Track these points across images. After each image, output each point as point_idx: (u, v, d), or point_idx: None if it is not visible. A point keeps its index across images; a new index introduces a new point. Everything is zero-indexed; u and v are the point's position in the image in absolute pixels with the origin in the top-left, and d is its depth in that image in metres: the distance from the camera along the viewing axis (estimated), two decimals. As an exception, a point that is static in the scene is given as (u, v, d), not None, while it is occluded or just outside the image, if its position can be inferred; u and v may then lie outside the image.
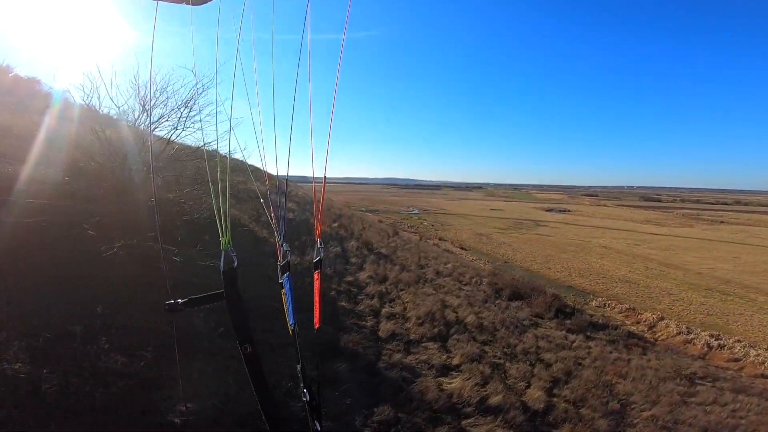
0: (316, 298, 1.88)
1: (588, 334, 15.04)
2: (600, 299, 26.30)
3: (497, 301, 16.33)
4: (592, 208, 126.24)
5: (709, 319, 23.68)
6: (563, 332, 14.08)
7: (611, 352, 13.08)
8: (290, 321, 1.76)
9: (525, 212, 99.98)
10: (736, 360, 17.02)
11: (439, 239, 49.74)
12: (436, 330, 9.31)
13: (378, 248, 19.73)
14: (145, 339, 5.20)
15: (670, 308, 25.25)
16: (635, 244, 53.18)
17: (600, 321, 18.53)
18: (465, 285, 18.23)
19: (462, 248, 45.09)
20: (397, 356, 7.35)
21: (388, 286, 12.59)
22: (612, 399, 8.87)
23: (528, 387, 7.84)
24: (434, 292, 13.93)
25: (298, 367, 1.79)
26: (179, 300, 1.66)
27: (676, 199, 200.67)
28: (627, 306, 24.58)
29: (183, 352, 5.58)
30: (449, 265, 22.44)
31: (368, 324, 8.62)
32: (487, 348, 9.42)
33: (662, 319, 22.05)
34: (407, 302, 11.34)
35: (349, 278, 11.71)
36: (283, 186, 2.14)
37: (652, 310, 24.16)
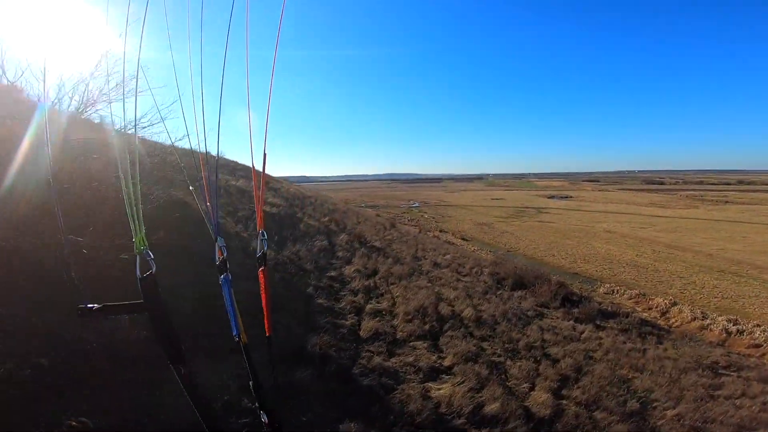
0: (264, 301, 1.70)
1: (598, 323, 13.92)
2: (608, 285, 25.17)
3: (499, 292, 15.22)
4: (594, 193, 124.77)
5: (724, 303, 22.52)
6: (571, 322, 12.97)
7: (624, 343, 11.98)
8: (234, 332, 1.59)
9: (526, 200, 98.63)
10: (757, 346, 15.88)
11: (440, 231, 48.67)
12: (427, 327, 8.22)
13: (371, 241, 18.63)
14: (50, 345, 4.21)
15: (682, 292, 24.11)
16: (640, 228, 51.94)
17: (609, 308, 17.36)
18: (464, 276, 17.12)
19: (463, 239, 44.00)
20: (378, 359, 6.27)
21: (377, 280, 11.51)
22: (630, 397, 7.77)
23: (532, 389, 6.75)
24: (429, 284, 12.84)
25: (251, 383, 1.60)
26: (94, 304, 1.41)
27: (678, 181, 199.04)
28: (637, 291, 23.43)
29: (105, 359, 4.59)
30: (448, 256, 21.33)
31: (348, 323, 7.54)
32: (485, 344, 8.33)
33: (675, 304, 20.90)
34: (397, 297, 10.26)
35: (333, 273, 10.63)
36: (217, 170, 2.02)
37: (663, 294, 23.02)
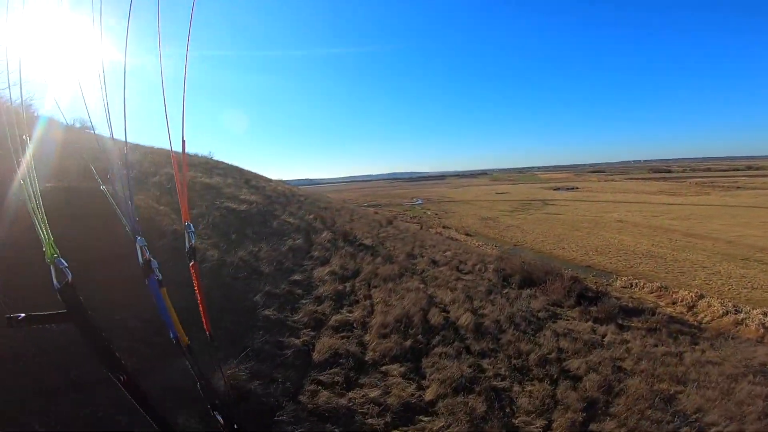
0: (199, 298, 1.64)
1: (620, 322, 11.95)
2: (625, 278, 23.05)
3: (505, 291, 13.28)
4: (601, 183, 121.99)
5: (756, 294, 20.31)
6: (589, 323, 11.02)
7: (656, 346, 10.01)
8: (171, 334, 1.53)
9: (532, 193, 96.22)
10: (805, 340, 13.78)
11: (443, 227, 46.73)
12: (408, 342, 6.34)
13: (361, 239, 16.78)
14: None
15: (707, 284, 21.92)
16: (653, 216, 49.56)
17: (630, 304, 15.32)
18: (466, 274, 15.20)
19: (467, 234, 42.00)
20: (327, 394, 4.40)
21: (356, 284, 9.67)
22: (681, 423, 5.83)
23: (548, 428, 4.84)
24: (421, 285, 10.97)
25: (198, 384, 1.56)
26: (21, 314, 1.27)
27: (686, 169, 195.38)
28: (658, 284, 21.29)
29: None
30: (448, 253, 19.41)
31: (299, 341, 5.67)
32: (485, 363, 6.42)
33: (702, 297, 18.76)
34: (377, 303, 8.40)
35: (298, 277, 8.77)
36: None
37: (687, 287, 20.86)
